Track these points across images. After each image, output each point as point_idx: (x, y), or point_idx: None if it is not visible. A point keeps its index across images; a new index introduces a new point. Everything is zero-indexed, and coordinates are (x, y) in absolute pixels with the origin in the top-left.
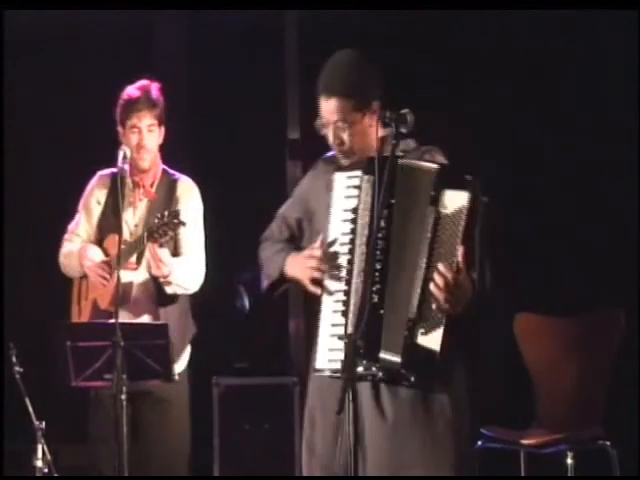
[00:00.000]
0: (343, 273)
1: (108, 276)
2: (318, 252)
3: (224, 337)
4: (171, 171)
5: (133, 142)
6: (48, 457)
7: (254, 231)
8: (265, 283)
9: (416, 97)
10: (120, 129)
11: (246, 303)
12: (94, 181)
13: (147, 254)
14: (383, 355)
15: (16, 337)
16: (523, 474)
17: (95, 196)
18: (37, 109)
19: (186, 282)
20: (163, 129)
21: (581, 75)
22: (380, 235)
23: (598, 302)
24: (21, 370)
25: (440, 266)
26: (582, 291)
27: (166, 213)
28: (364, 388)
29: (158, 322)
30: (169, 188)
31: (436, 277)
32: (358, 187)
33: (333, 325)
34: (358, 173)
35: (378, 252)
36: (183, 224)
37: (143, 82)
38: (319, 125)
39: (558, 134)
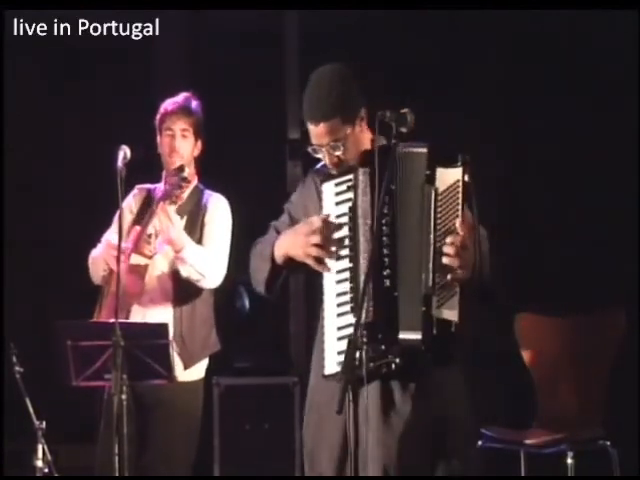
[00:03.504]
0: (346, 263)
1: (124, 257)
2: (318, 223)
3: (224, 337)
4: (207, 190)
5: (166, 146)
6: (48, 457)
7: (254, 230)
8: (260, 281)
9: (416, 96)
10: (158, 138)
11: (246, 303)
12: (131, 193)
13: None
14: (403, 335)
15: (16, 337)
16: (523, 474)
17: (129, 206)
18: (37, 109)
19: (201, 266)
20: (200, 143)
21: (581, 75)
22: (384, 221)
23: (598, 302)
24: (21, 370)
25: (448, 237)
26: (582, 291)
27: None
28: (372, 388)
29: (158, 322)
30: (199, 198)
31: (445, 247)
32: (351, 187)
33: (338, 328)
34: (346, 177)
35: (384, 238)
36: (187, 180)
37: (184, 93)
38: (312, 151)
39: (557, 134)
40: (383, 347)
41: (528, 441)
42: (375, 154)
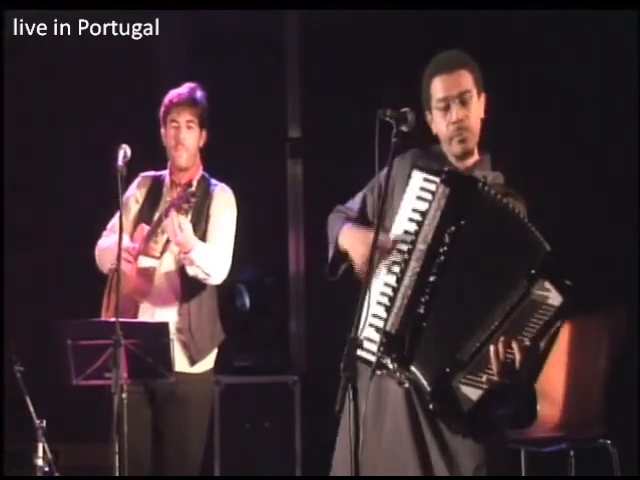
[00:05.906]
0: (397, 269)
1: (132, 259)
2: (388, 241)
3: (224, 335)
4: (212, 180)
5: (172, 138)
6: (49, 456)
7: (254, 229)
8: (329, 253)
9: (417, 97)
10: (162, 130)
11: (246, 302)
12: (135, 182)
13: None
14: (415, 369)
15: (16, 337)
16: (524, 473)
17: (134, 195)
18: (37, 109)
19: (208, 266)
20: (205, 133)
21: (581, 75)
22: (441, 250)
23: (598, 302)
24: (22, 369)
25: (513, 344)
26: (582, 291)
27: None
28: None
29: (159, 321)
30: (205, 190)
31: (500, 347)
32: (432, 193)
33: (374, 315)
34: (435, 178)
35: (435, 265)
36: (195, 195)
37: (188, 84)
38: (432, 113)
39: (557, 134)
40: (395, 366)
41: (528, 440)
42: (457, 178)
